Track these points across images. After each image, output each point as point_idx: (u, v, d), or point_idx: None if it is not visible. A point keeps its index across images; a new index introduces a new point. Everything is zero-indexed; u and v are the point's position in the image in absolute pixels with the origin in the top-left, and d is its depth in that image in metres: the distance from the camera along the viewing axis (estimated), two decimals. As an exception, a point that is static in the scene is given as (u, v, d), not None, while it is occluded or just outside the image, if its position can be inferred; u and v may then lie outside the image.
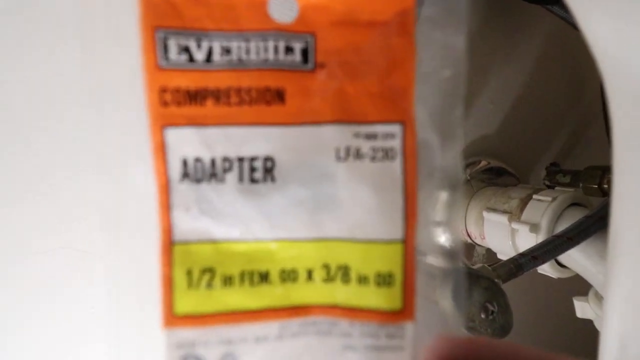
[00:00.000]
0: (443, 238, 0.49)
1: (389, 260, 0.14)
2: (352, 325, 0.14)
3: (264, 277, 0.13)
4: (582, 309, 0.41)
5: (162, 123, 0.12)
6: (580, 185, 0.49)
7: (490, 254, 0.54)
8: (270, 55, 0.13)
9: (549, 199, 0.41)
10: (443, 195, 0.48)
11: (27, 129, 0.39)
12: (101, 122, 0.13)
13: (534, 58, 0.57)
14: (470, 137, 0.56)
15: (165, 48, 0.12)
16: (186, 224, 0.13)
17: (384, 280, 0.14)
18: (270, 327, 0.14)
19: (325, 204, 0.13)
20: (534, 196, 0.43)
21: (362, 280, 0.14)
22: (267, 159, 0.13)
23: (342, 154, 0.13)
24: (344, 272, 0.14)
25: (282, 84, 0.13)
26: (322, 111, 0.13)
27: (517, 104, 0.57)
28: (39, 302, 0.42)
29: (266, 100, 0.13)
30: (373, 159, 0.13)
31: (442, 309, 0.14)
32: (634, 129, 0.22)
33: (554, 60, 0.58)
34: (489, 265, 0.34)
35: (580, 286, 0.41)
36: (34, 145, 0.39)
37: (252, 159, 0.13)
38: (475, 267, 0.34)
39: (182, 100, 0.12)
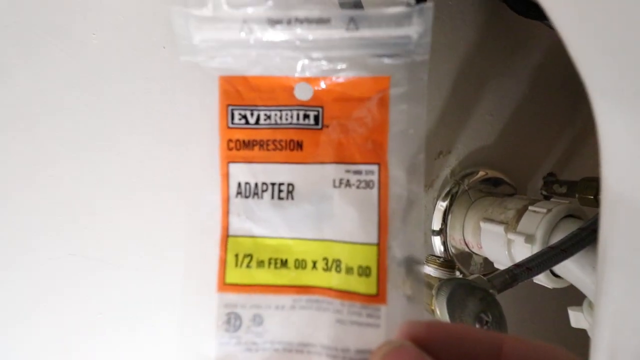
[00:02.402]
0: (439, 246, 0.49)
1: (367, 257, 0.19)
2: (342, 305, 0.19)
3: (284, 263, 0.19)
4: (577, 318, 0.41)
5: (227, 160, 0.19)
6: (576, 195, 0.50)
7: (487, 262, 0.55)
8: (294, 120, 0.19)
9: (544, 210, 0.41)
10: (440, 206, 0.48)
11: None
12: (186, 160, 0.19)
13: (533, 71, 0.58)
14: (468, 148, 0.56)
15: (232, 116, 0.19)
16: (237, 224, 0.19)
17: (364, 271, 0.19)
18: (286, 299, 0.19)
19: (325, 216, 0.19)
20: (530, 207, 0.43)
21: (349, 270, 0.19)
22: (289, 184, 0.19)
23: (337, 183, 0.19)
24: (337, 264, 0.19)
25: (301, 138, 0.19)
26: (326, 155, 0.19)
27: (516, 116, 0.58)
28: (47, 304, 0.42)
29: (291, 148, 0.19)
30: (358, 187, 0.19)
31: (410, 300, 0.19)
32: (620, 138, 0.22)
33: (552, 74, 0.58)
34: (485, 275, 0.35)
35: (575, 296, 0.42)
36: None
37: (280, 184, 0.19)
38: (470, 277, 0.35)
39: (240, 147, 0.19)
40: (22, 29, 0.39)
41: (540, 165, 0.60)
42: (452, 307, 0.30)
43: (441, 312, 0.32)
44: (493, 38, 0.54)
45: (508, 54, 0.56)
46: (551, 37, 0.54)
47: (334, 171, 0.19)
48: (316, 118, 0.19)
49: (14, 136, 0.40)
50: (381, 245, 0.19)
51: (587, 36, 0.20)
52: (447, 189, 0.55)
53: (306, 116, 0.19)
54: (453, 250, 0.56)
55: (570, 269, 0.38)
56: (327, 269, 0.19)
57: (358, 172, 0.19)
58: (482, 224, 0.49)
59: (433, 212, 0.56)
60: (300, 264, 0.19)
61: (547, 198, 0.56)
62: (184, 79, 0.19)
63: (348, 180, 0.19)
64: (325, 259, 0.19)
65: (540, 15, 0.47)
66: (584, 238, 0.36)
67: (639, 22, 0.16)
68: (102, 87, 0.42)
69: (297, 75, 0.19)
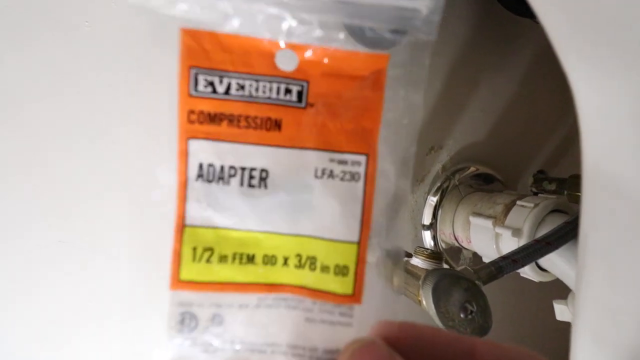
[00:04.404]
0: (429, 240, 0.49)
1: (346, 256, 0.17)
2: (314, 303, 0.17)
3: (251, 259, 0.17)
4: (561, 311, 0.42)
5: (187, 135, 0.16)
6: (565, 192, 0.50)
7: (476, 257, 0.56)
8: (274, 94, 0.16)
9: (532, 205, 0.42)
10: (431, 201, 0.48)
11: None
12: (137, 131, 0.17)
13: (524, 68, 0.58)
14: (460, 144, 0.57)
15: (196, 82, 0.16)
16: (196, 212, 0.17)
17: (340, 270, 0.17)
18: (251, 298, 0.17)
19: (303, 209, 0.17)
20: (518, 202, 0.43)
21: (325, 269, 0.17)
22: (263, 170, 0.17)
23: (319, 173, 0.17)
24: (312, 262, 0.17)
25: (280, 116, 0.17)
26: (308, 139, 0.17)
27: (507, 113, 0.59)
28: (38, 295, 0.43)
29: (267, 127, 0.17)
30: (342, 179, 0.17)
31: (384, 299, 0.18)
32: (601, 141, 0.23)
33: (544, 71, 0.59)
34: (472, 268, 0.36)
35: (560, 290, 0.42)
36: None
37: (252, 169, 0.17)
38: (458, 268, 0.35)
39: (203, 120, 0.16)
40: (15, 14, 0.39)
41: (531, 162, 0.61)
42: (438, 296, 0.31)
43: (427, 302, 0.32)
44: (485, 35, 0.55)
45: (500, 51, 0.56)
46: (542, 34, 0.55)
47: (316, 159, 0.17)
48: (299, 94, 0.16)
49: (3, 122, 0.41)
50: (362, 244, 0.17)
51: (558, 6, 0.20)
52: (438, 184, 0.55)
53: (288, 91, 0.16)
54: (443, 245, 0.56)
55: (556, 262, 0.39)
56: (299, 266, 0.17)
57: (343, 162, 0.17)
58: (472, 219, 0.49)
59: (424, 207, 0.56)
60: (269, 260, 0.17)
61: (536, 195, 0.57)
62: (137, 31, 0.16)
63: (332, 171, 0.17)
64: (299, 255, 0.17)
65: (530, 12, 0.48)
66: (569, 231, 0.36)
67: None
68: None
69: (281, 39, 0.16)
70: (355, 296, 0.17)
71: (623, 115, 0.19)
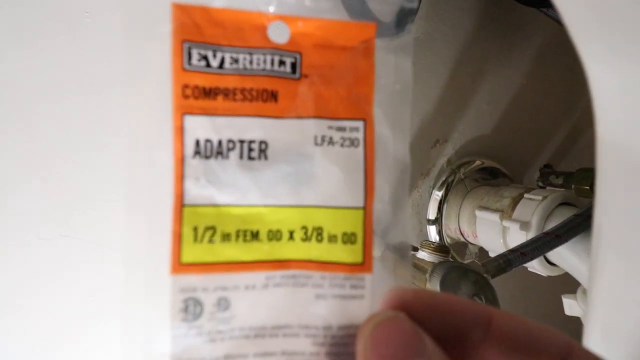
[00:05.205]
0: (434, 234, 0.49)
1: (353, 222, 0.17)
2: (323, 278, 0.17)
3: (255, 236, 0.16)
4: (570, 306, 0.41)
5: (182, 111, 0.16)
6: (572, 186, 0.50)
7: (482, 252, 0.55)
8: (268, 66, 0.16)
9: (540, 197, 0.41)
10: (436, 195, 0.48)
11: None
12: (133, 107, 0.16)
13: (530, 60, 0.58)
14: (465, 137, 0.56)
15: (189, 56, 0.16)
16: (195, 190, 0.16)
17: (348, 238, 0.17)
18: (258, 277, 0.16)
19: (305, 178, 0.17)
20: (525, 195, 0.43)
21: (332, 239, 0.17)
22: (262, 142, 0.17)
23: (319, 140, 0.17)
24: (318, 233, 0.17)
25: (275, 88, 0.17)
26: (304, 109, 0.17)
27: (513, 106, 0.58)
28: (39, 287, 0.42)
29: (263, 99, 0.17)
30: (342, 145, 0.17)
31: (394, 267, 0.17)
32: (615, 134, 0.23)
33: (550, 63, 0.58)
34: (479, 262, 0.35)
35: (569, 285, 0.42)
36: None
37: (251, 142, 0.16)
38: (465, 262, 0.35)
39: (198, 95, 0.16)
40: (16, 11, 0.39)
41: (537, 156, 0.60)
42: (445, 288, 0.30)
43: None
44: (491, 27, 0.54)
45: (506, 44, 0.56)
46: (548, 25, 0.54)
47: (314, 127, 0.17)
48: (293, 66, 0.17)
49: (4, 117, 0.40)
50: (367, 209, 0.17)
51: None
52: (443, 178, 0.55)
53: (282, 62, 0.16)
54: (448, 240, 0.56)
55: (565, 256, 0.38)
56: (306, 238, 0.17)
57: (342, 129, 0.17)
58: (478, 212, 0.48)
59: (429, 201, 0.55)
60: (274, 236, 0.17)
61: (544, 188, 0.56)
62: (130, 5, 0.16)
63: (331, 138, 0.17)
64: (305, 227, 0.17)
65: (538, 2, 0.47)
66: (579, 224, 0.36)
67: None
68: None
69: (271, 10, 0.16)
70: (365, 265, 0.17)
71: (637, 92, 0.19)
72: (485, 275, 0.32)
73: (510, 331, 0.15)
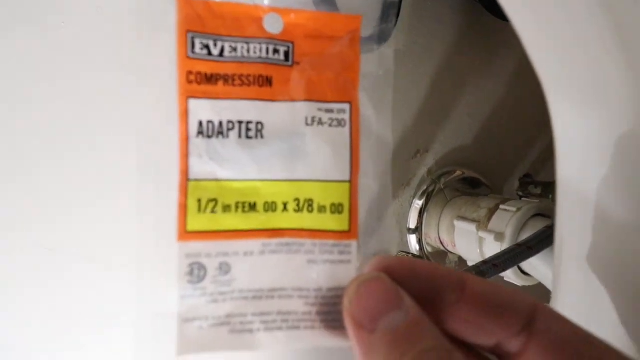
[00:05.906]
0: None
1: (340, 194, 0.19)
2: (314, 245, 0.19)
3: (253, 207, 0.18)
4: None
5: (187, 95, 0.18)
6: (550, 196, 0.51)
7: (462, 261, 0.56)
8: (263, 54, 0.18)
9: (514, 209, 0.42)
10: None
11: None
12: (141, 93, 0.19)
13: (511, 73, 0.58)
14: (446, 147, 0.57)
15: (193, 45, 0.18)
16: (199, 166, 0.18)
17: (336, 208, 0.19)
18: (255, 244, 0.18)
19: (297, 155, 0.19)
20: (501, 206, 0.43)
21: (321, 209, 0.19)
22: (258, 122, 0.19)
23: (310, 121, 0.19)
24: (309, 204, 0.19)
25: (270, 74, 0.19)
26: (297, 93, 0.19)
27: (493, 117, 0.59)
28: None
29: (259, 84, 0.18)
30: (330, 125, 0.19)
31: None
32: (572, 132, 0.25)
33: (530, 76, 0.59)
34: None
35: (544, 294, 0.42)
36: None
37: (248, 122, 0.18)
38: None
39: (201, 81, 0.18)
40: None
41: (517, 166, 0.61)
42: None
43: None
44: (471, 40, 0.55)
45: (486, 56, 0.57)
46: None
47: (305, 109, 0.19)
48: (286, 54, 0.19)
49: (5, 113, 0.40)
50: (353, 182, 0.19)
51: (540, 37, 0.22)
52: (424, 187, 0.55)
53: (276, 51, 0.18)
54: (429, 249, 0.56)
55: (537, 267, 0.39)
56: (298, 209, 0.19)
57: (330, 111, 0.19)
58: (456, 223, 0.49)
59: (409, 211, 0.56)
60: (270, 207, 0.18)
61: (522, 199, 0.57)
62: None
63: (320, 119, 0.19)
64: (297, 199, 0.19)
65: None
66: (550, 235, 0.36)
67: (584, 22, 0.18)
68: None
69: (266, 3, 0.18)
70: (351, 232, 0.19)
71: (593, 144, 0.22)
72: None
73: (481, 293, 0.16)
